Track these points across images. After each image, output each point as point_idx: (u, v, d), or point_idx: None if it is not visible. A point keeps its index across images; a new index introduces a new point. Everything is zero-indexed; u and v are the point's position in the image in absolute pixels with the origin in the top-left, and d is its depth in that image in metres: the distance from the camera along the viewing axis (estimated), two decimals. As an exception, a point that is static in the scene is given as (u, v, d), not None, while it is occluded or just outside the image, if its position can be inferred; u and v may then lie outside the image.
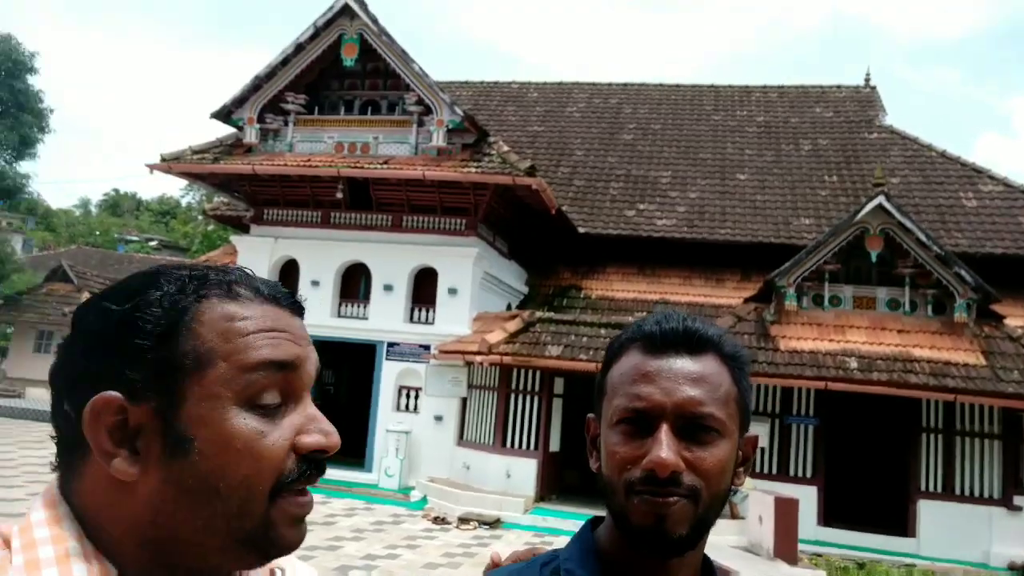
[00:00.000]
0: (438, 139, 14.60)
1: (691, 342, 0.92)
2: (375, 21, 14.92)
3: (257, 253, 15.13)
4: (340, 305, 15.22)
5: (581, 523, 1.02)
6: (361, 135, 15.29)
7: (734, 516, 11.87)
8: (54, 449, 0.75)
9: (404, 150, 14.95)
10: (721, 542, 10.35)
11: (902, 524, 12.34)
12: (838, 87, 22.46)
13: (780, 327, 13.16)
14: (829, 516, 12.63)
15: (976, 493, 12.19)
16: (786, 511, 9.59)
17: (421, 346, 14.44)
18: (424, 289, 14.88)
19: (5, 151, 28.30)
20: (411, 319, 14.83)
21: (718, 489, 0.88)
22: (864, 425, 13.79)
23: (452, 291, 14.51)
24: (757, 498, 10.45)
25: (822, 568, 10.22)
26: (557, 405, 13.62)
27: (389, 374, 14.59)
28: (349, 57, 15.14)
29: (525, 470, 13.08)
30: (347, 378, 16.98)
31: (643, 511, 0.86)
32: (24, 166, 30.21)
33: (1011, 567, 11.51)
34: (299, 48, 15.19)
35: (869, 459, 13.92)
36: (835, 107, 21.45)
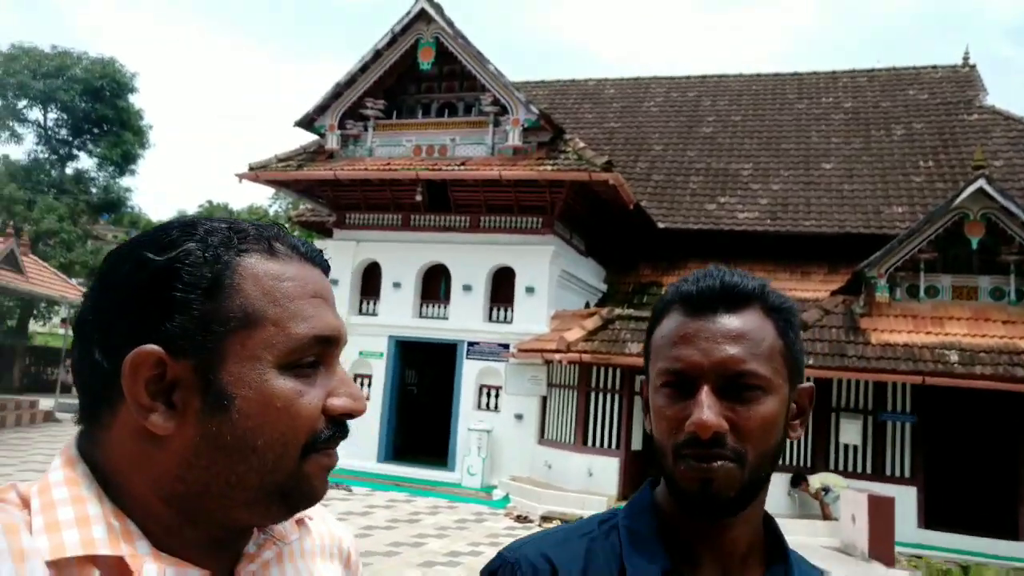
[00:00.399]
0: (514, 138, 14.65)
1: (729, 298, 0.91)
2: (451, 24, 15.10)
3: (340, 256, 15.54)
4: (421, 306, 15.47)
5: None
6: (438, 137, 15.51)
7: (826, 517, 11.43)
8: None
9: (481, 151, 15.08)
10: (813, 543, 9.99)
11: (1010, 527, 11.60)
12: (933, 67, 21.36)
13: (871, 319, 12.59)
14: (930, 518, 11.98)
15: (1095, 495, 11.35)
16: (881, 510, 9.16)
17: (500, 345, 14.52)
18: (502, 288, 14.96)
19: (108, 167, 30.09)
20: (490, 318, 14.94)
21: (765, 447, 0.88)
22: (967, 423, 13.03)
23: (530, 290, 14.53)
24: (850, 497, 10.03)
25: (921, 571, 9.71)
26: (638, 404, 13.44)
27: (470, 373, 14.74)
28: (426, 61, 15.38)
29: (607, 469, 12.97)
30: (429, 378, 17.24)
31: (689, 476, 0.86)
32: (126, 180, 31.93)
33: None
34: (377, 54, 15.53)
35: (973, 459, 13.14)
36: (931, 89, 20.39)
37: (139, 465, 0.70)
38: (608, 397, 13.36)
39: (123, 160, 29.74)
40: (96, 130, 29.44)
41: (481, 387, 14.73)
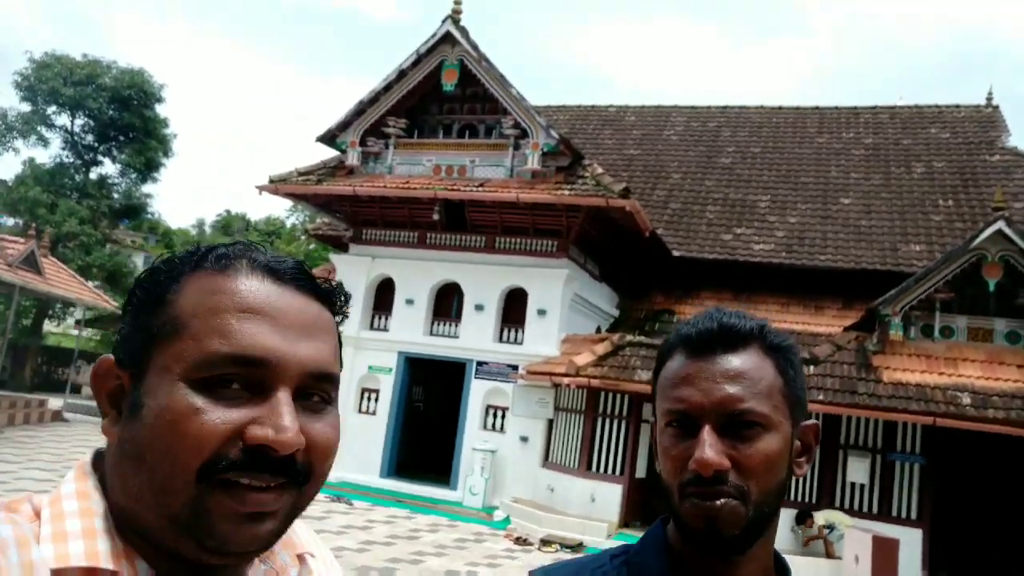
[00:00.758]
0: (533, 162, 14.74)
1: (728, 339, 0.93)
2: (475, 47, 15.28)
3: (355, 271, 15.65)
4: (433, 323, 15.52)
5: None
6: (458, 158, 15.63)
7: (829, 556, 11.27)
8: None
9: (499, 173, 15.17)
10: (815, 582, 9.85)
11: (1021, 576, 11.40)
12: (956, 107, 21.32)
13: (884, 357, 12.48)
14: (936, 563, 11.79)
15: (1108, 547, 11.13)
16: (885, 551, 9.03)
17: (509, 365, 14.51)
18: (514, 309, 14.98)
19: (131, 173, 30.52)
20: (500, 339, 14.95)
21: (768, 485, 0.89)
22: (978, 467, 12.84)
23: (541, 312, 14.54)
24: (854, 537, 9.90)
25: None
26: (645, 431, 13.36)
27: (477, 392, 14.73)
28: (449, 82, 15.54)
29: (610, 495, 12.87)
30: (436, 395, 17.24)
31: (694, 514, 0.88)
32: (147, 187, 32.35)
33: None
34: (401, 74, 15.71)
35: (984, 504, 12.94)
36: (953, 128, 20.34)
37: (112, 476, 0.72)
38: (615, 423, 13.30)
39: (146, 167, 30.17)
40: (122, 137, 29.91)
41: (488, 407, 14.72)
